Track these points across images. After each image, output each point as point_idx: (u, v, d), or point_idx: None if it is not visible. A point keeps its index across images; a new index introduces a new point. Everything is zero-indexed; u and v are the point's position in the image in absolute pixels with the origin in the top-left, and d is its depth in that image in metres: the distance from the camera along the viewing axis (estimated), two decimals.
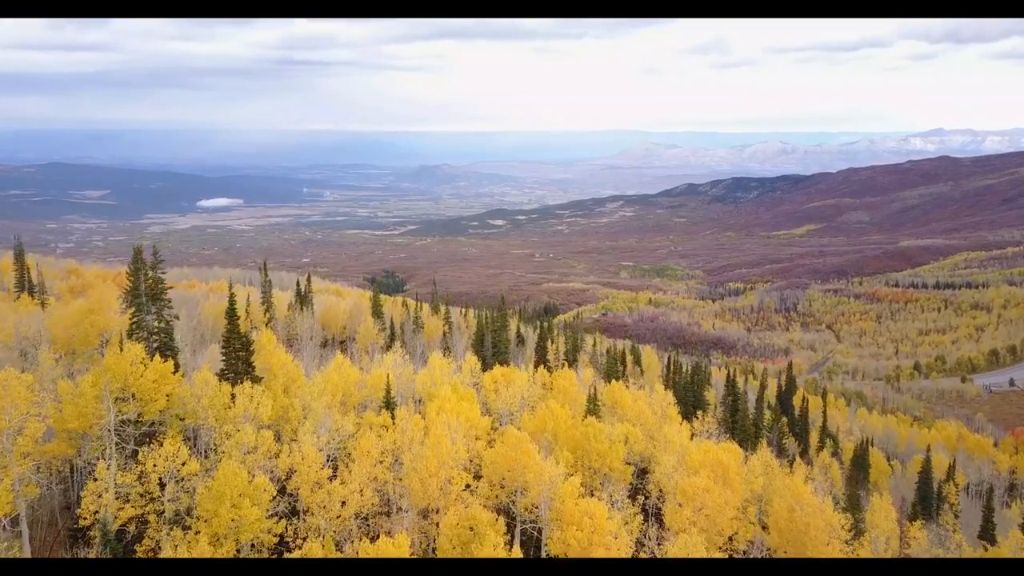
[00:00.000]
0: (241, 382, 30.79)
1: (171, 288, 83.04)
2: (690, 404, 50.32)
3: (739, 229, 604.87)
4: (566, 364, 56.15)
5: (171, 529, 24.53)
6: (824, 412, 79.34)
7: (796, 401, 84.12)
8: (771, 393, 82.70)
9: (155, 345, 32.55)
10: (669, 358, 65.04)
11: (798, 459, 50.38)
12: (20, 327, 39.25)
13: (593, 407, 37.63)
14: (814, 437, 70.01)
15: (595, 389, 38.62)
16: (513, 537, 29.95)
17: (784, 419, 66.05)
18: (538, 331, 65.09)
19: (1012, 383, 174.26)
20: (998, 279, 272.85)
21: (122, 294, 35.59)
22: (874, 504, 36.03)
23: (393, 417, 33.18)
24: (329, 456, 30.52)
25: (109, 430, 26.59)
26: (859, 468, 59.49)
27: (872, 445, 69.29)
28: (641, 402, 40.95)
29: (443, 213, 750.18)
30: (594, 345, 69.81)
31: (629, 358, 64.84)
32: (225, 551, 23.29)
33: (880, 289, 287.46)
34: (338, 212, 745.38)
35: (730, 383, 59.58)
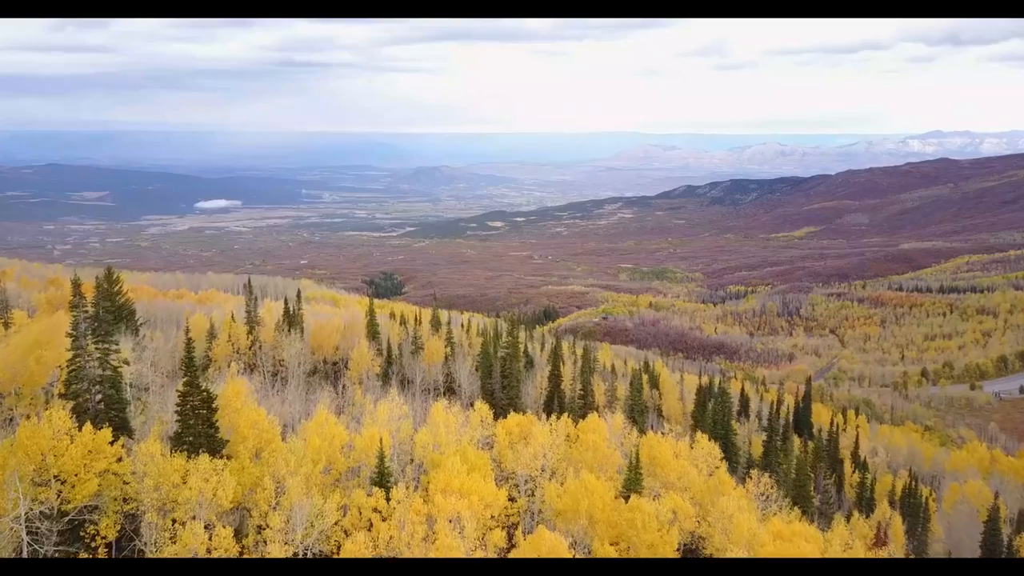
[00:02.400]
0: (199, 452, 25.37)
1: (159, 297, 79.65)
2: (720, 438, 45.73)
3: (738, 231, 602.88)
4: (581, 394, 51.55)
5: None
6: (856, 440, 74.06)
7: (822, 419, 79.43)
8: (787, 408, 78.63)
9: (98, 399, 27.36)
10: (699, 390, 60.04)
11: (855, 514, 45.43)
12: None
13: (635, 477, 31.19)
14: (847, 468, 65.24)
15: (636, 455, 32.02)
16: None
17: (811, 444, 61.55)
18: (548, 350, 60.42)
19: (1022, 390, 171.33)
20: (1003, 283, 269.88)
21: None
22: None
23: (388, 497, 27.42)
24: (306, 552, 25.16)
25: (19, 523, 20.85)
26: (914, 516, 53.61)
27: (919, 482, 62.62)
28: (684, 459, 35.18)
29: (442, 215, 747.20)
30: (612, 369, 65.06)
31: (644, 378, 60.09)
32: None
33: (883, 293, 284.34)
34: (336, 214, 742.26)
35: (771, 422, 53.36)
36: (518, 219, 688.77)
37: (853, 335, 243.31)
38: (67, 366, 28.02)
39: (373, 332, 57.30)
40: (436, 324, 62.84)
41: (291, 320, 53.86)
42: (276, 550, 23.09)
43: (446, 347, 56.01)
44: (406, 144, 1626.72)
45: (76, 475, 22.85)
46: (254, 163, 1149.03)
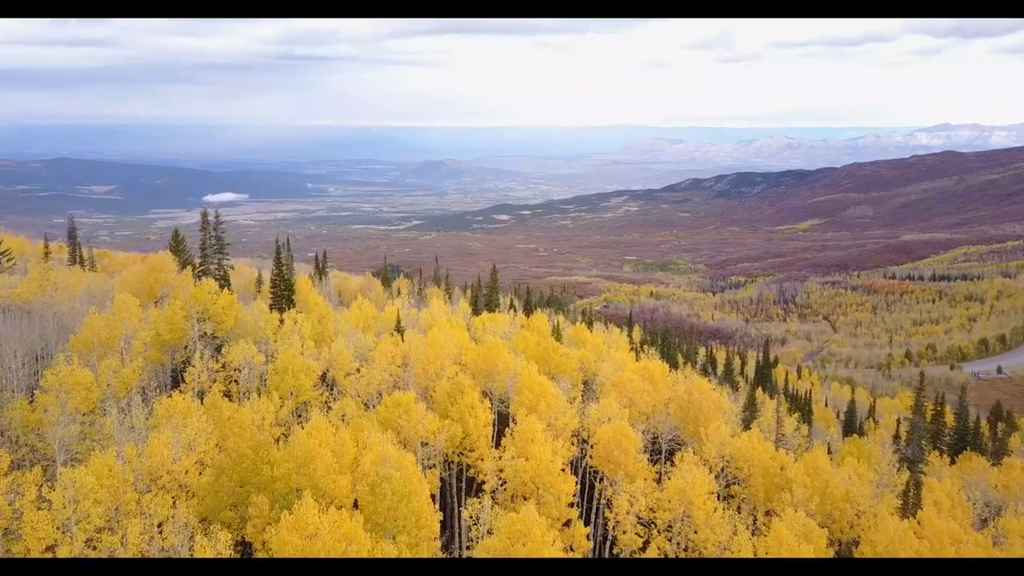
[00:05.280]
0: (286, 310, 41.56)
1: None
2: None
3: (743, 224, 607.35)
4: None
5: (248, 396, 32.47)
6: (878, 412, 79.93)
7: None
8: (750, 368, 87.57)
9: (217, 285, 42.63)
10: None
11: None
12: (90, 286, 46.01)
13: (558, 336, 44.70)
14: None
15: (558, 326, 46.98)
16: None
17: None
18: (524, 301, 72.69)
19: (999, 370, 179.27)
20: (994, 271, 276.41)
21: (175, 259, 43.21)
22: None
23: (402, 337, 42.57)
24: (355, 359, 39.88)
25: (194, 339, 36.64)
26: None
27: None
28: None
29: (448, 208, 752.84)
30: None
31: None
32: (288, 408, 31.59)
33: (877, 281, 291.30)
34: (343, 207, 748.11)
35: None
36: (524, 212, 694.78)
37: (845, 321, 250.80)
38: (199, 265, 46.35)
39: (386, 282, 70.01)
40: (438, 282, 73.74)
41: (321, 271, 68.67)
42: (341, 343, 37.23)
43: (445, 295, 69.09)
44: (412, 138, 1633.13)
45: (221, 317, 39.20)
46: (260, 157, 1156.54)
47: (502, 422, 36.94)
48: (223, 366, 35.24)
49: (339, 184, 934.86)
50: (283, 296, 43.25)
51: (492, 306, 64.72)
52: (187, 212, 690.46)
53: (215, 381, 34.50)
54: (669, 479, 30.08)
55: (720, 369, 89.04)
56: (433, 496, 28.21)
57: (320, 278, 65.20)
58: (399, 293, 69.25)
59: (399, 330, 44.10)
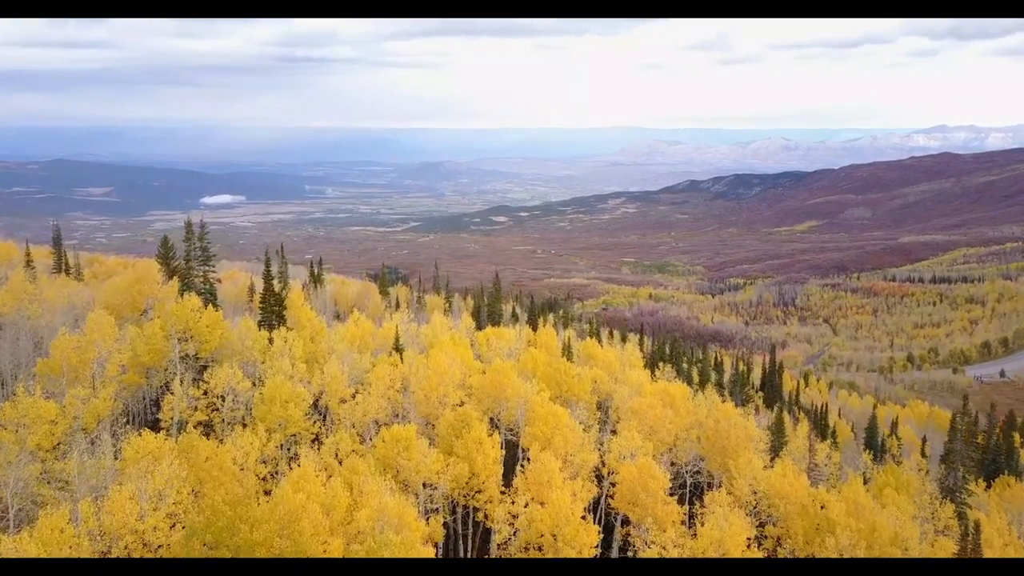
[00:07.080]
0: (276, 327, 39.43)
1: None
2: None
3: (741, 225, 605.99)
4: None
5: (232, 428, 30.78)
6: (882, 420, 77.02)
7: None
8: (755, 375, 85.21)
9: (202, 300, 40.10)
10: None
11: None
12: (72, 298, 43.47)
13: (568, 353, 42.02)
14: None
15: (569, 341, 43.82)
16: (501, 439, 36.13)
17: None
18: (527, 310, 69.65)
19: (1003, 374, 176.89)
20: (994, 273, 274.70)
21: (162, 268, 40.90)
22: None
23: (402, 358, 40.58)
24: (351, 383, 38.06)
25: (175, 361, 35.06)
26: None
27: None
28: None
29: (446, 210, 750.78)
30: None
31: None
32: (275, 442, 29.55)
33: (877, 283, 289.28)
34: (341, 209, 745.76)
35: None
36: (522, 214, 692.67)
37: (845, 323, 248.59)
38: (180, 278, 44.60)
39: (384, 290, 67.80)
40: (437, 290, 70.18)
41: (316, 279, 66.35)
42: (335, 365, 36.40)
43: (445, 303, 65.73)
44: (410, 139, 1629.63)
45: (204, 336, 37.00)
46: (258, 158, 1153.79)
47: (510, 452, 33.98)
48: (205, 393, 32.19)
49: (337, 186, 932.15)
50: (273, 312, 40.64)
51: (495, 317, 62.01)
52: (184, 214, 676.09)
53: (196, 410, 31.72)
54: (700, 523, 27.09)
55: (727, 376, 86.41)
56: (437, 547, 25.13)
57: (315, 286, 62.22)
58: (397, 305, 65.67)
59: (398, 349, 41.42)
